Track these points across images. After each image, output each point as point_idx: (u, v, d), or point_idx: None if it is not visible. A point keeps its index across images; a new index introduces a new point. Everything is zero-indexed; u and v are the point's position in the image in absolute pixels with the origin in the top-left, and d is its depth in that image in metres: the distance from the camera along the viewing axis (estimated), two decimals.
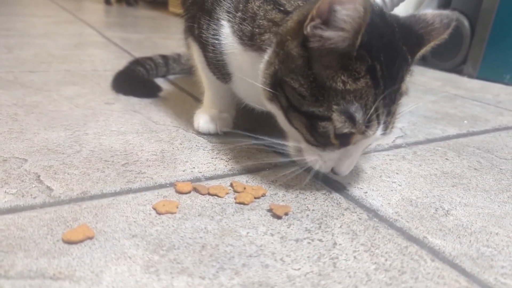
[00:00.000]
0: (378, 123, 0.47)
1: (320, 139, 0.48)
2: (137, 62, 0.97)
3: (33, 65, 1.08)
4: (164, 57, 1.04)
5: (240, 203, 0.49)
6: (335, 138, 0.48)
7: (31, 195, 0.47)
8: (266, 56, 0.51)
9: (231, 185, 0.53)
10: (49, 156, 0.57)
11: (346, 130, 0.46)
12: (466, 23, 1.40)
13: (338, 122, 0.46)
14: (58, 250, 0.38)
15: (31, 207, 0.45)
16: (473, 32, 1.39)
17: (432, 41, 0.51)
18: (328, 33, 0.44)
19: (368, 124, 0.46)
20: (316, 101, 0.46)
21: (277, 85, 0.49)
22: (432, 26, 0.51)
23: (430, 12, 0.52)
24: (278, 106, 0.50)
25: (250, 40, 0.54)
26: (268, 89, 0.50)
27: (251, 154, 0.63)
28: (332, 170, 0.51)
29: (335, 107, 0.45)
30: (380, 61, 0.45)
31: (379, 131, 0.48)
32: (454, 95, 1.16)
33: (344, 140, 0.48)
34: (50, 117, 0.72)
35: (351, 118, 0.45)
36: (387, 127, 0.48)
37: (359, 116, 0.45)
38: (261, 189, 0.52)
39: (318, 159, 0.51)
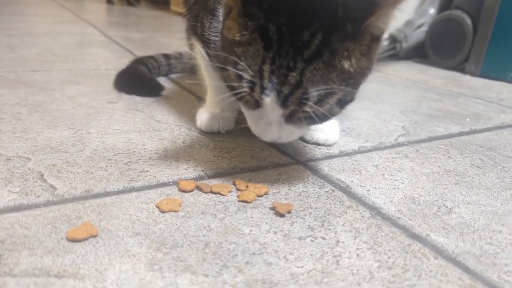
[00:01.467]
0: (262, 89, 0.43)
1: (233, 93, 0.47)
2: (139, 61, 0.97)
3: (36, 64, 1.09)
4: (166, 56, 1.04)
5: (243, 201, 0.49)
6: (246, 94, 0.46)
7: (34, 193, 0.48)
8: None
9: (234, 183, 0.53)
10: (52, 155, 0.58)
11: (235, 84, 0.45)
12: (468, 21, 1.39)
13: (232, 75, 0.45)
14: (62, 248, 0.39)
15: (35, 206, 0.45)
16: (476, 30, 1.38)
17: (383, 7, 0.42)
18: None
19: (252, 86, 0.44)
20: (221, 50, 0.47)
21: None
22: None
23: None
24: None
25: None
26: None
27: (254, 153, 0.63)
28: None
29: (230, 58, 0.44)
30: (279, 23, 0.42)
31: (269, 98, 0.44)
32: (456, 93, 1.16)
33: (255, 100, 0.47)
34: (53, 116, 0.72)
35: (238, 75, 0.44)
36: (285, 98, 0.44)
37: (245, 75, 0.43)
38: (263, 187, 0.52)
39: (250, 121, 0.50)
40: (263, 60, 0.43)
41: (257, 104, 0.46)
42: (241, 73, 0.43)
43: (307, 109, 0.44)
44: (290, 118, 0.47)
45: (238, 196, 0.50)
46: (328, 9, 0.43)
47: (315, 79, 0.43)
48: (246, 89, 0.44)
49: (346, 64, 0.44)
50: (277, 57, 0.42)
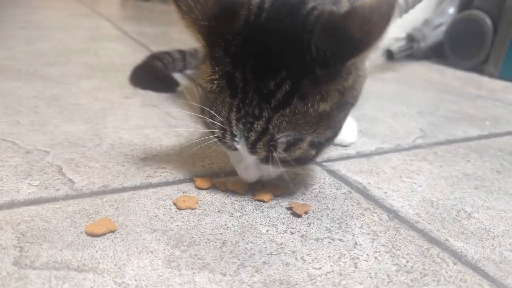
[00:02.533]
0: (232, 136, 0.43)
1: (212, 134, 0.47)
2: (155, 57, 0.97)
3: (52, 58, 1.10)
4: (182, 52, 1.04)
5: (259, 200, 0.49)
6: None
7: (54, 187, 0.48)
8: None
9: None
10: (70, 149, 0.58)
11: (210, 129, 0.45)
12: (488, 21, 1.37)
13: (208, 119, 0.44)
14: (81, 242, 0.39)
15: (54, 199, 0.46)
16: (496, 30, 1.36)
17: (370, 46, 0.38)
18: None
19: (223, 133, 0.44)
20: (202, 92, 0.46)
21: None
22: (370, 23, 0.37)
23: (365, 3, 0.38)
24: None
25: None
26: None
27: None
28: None
29: (206, 102, 0.44)
30: (245, 70, 0.41)
31: (239, 145, 0.43)
32: (475, 95, 1.14)
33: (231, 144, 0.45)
34: (70, 110, 0.73)
35: (212, 122, 0.44)
36: (252, 144, 0.43)
37: (216, 120, 0.43)
38: (279, 188, 0.51)
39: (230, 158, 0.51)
40: (230, 107, 0.42)
41: (234, 147, 0.45)
42: (213, 120, 0.44)
43: (277, 155, 0.43)
44: (266, 161, 0.45)
45: (254, 196, 0.49)
46: (297, 53, 0.40)
47: (282, 126, 0.42)
48: (218, 136, 0.44)
49: (322, 106, 0.42)
50: (241, 105, 0.42)
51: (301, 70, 0.41)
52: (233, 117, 0.42)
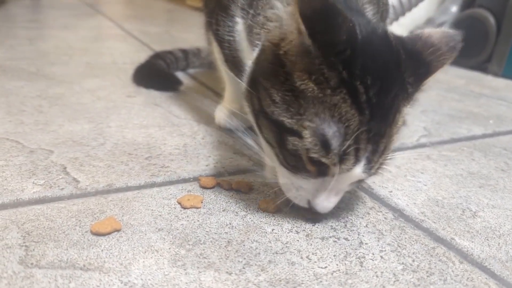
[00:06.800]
0: (357, 159, 0.38)
1: (290, 159, 0.40)
2: (158, 56, 0.97)
3: (54, 57, 1.10)
4: (184, 51, 1.04)
5: (263, 210, 0.47)
6: (310, 163, 0.39)
7: (58, 186, 0.48)
8: (255, 53, 0.45)
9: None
10: (74, 148, 0.58)
11: (315, 155, 0.38)
12: (491, 19, 1.36)
13: (309, 143, 0.38)
14: (87, 242, 0.39)
15: (59, 198, 0.46)
16: (499, 29, 1.35)
17: (440, 67, 0.43)
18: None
19: (344, 156, 0.38)
20: (287, 110, 0.39)
21: (253, 83, 0.43)
22: (440, 50, 0.43)
23: (434, 32, 0.43)
24: (251, 108, 0.43)
25: (249, 35, 0.52)
26: (246, 86, 0.44)
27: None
28: (309, 203, 0.43)
29: (307, 123, 0.38)
30: (366, 85, 0.38)
31: (358, 169, 0.39)
32: (478, 93, 1.14)
33: (321, 168, 0.40)
34: (74, 109, 0.73)
35: (325, 143, 0.37)
36: (372, 166, 0.40)
37: (335, 143, 0.37)
38: (247, 183, 0.51)
39: (291, 186, 0.43)
40: (358, 127, 0.37)
41: (323, 173, 0.40)
42: (331, 142, 0.37)
43: (380, 171, 0.42)
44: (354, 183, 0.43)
45: (259, 204, 0.48)
46: (397, 68, 0.40)
47: (393, 142, 0.41)
48: (333, 162, 0.38)
49: (401, 123, 0.43)
50: (372, 123, 0.38)
51: (401, 89, 0.40)
52: (364, 138, 0.38)
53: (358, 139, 0.37)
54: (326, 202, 0.42)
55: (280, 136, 0.40)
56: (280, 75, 0.39)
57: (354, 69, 0.37)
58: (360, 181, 0.43)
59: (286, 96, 0.39)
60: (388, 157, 0.42)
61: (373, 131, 0.38)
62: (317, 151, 0.38)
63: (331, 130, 0.37)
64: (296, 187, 0.43)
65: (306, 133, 0.38)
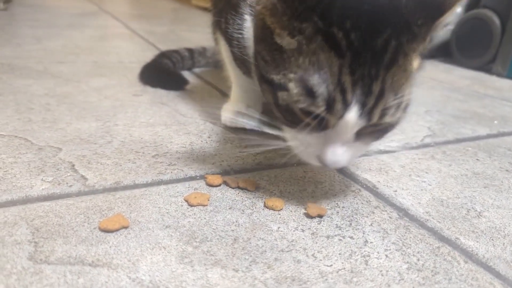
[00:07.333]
0: (345, 103, 0.38)
1: (287, 115, 0.42)
2: (164, 55, 0.98)
3: (61, 56, 1.11)
4: (190, 50, 1.05)
5: (270, 208, 0.47)
6: (304, 115, 0.40)
7: (66, 183, 0.49)
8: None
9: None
10: (82, 146, 0.59)
11: (303, 105, 0.39)
12: (496, 20, 1.36)
13: (295, 95, 0.39)
14: (95, 238, 0.39)
15: (67, 195, 0.46)
16: (504, 29, 1.35)
17: (454, 3, 0.41)
18: None
19: (331, 102, 0.38)
20: (275, 67, 0.41)
21: (254, 55, 0.45)
22: None
23: None
24: (257, 78, 0.45)
25: None
26: (253, 60, 0.45)
27: (278, 149, 0.63)
28: (319, 160, 0.43)
29: (291, 75, 0.39)
30: (345, 29, 0.38)
31: (352, 114, 0.38)
32: (482, 94, 1.13)
33: (320, 121, 0.40)
34: (81, 108, 0.74)
35: (309, 92, 0.38)
36: (370, 111, 0.39)
37: (319, 90, 0.38)
38: (253, 182, 0.51)
39: (299, 145, 0.44)
40: (340, 69, 0.37)
41: (324, 126, 0.40)
42: (315, 89, 0.38)
43: (386, 120, 0.40)
44: (358, 136, 0.42)
45: (265, 203, 0.48)
46: (393, 14, 0.39)
47: (393, 85, 0.39)
48: (321, 109, 0.38)
49: (414, 65, 0.41)
50: (356, 65, 0.37)
51: (401, 27, 0.39)
52: (348, 80, 0.38)
53: (341, 82, 0.38)
54: (331, 155, 0.42)
55: (275, 95, 0.41)
56: (267, 36, 0.42)
57: (331, 17, 0.38)
58: (375, 132, 0.42)
59: (274, 55, 0.41)
60: (398, 101, 0.39)
61: (358, 73, 0.38)
62: (304, 100, 0.39)
63: (313, 78, 0.38)
64: (304, 145, 0.44)
65: (291, 85, 0.39)
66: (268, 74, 0.42)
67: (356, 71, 0.38)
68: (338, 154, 0.42)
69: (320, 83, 0.38)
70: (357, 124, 0.40)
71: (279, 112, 0.43)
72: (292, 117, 0.41)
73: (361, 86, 0.38)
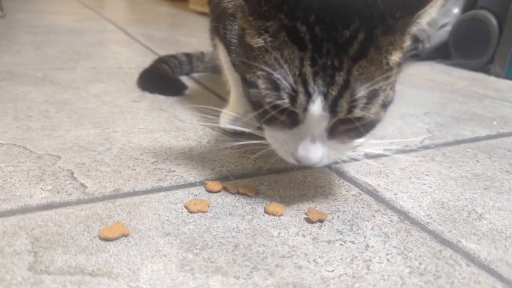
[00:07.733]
0: (307, 94, 0.39)
1: (262, 114, 0.42)
2: (162, 60, 0.98)
3: (60, 62, 1.11)
4: (188, 55, 1.05)
5: (271, 214, 0.47)
6: (273, 111, 0.41)
7: (66, 191, 0.48)
8: None
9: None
10: (81, 153, 0.58)
11: (270, 100, 0.40)
12: (493, 21, 1.36)
13: (263, 90, 0.40)
14: (95, 247, 0.39)
15: (67, 204, 0.46)
16: (501, 30, 1.35)
17: (429, 3, 0.40)
18: None
19: (295, 95, 0.39)
20: (248, 65, 0.42)
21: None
22: None
23: None
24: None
25: None
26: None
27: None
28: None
29: (259, 72, 0.40)
30: (309, 23, 0.39)
31: (316, 106, 0.39)
32: (482, 95, 1.13)
33: (292, 118, 0.41)
34: (80, 114, 0.74)
35: (275, 86, 0.39)
36: (334, 102, 0.39)
37: (283, 83, 0.39)
38: (253, 187, 0.51)
39: (276, 143, 0.45)
40: (301, 61, 0.38)
41: (295, 121, 0.41)
42: (278, 82, 0.39)
43: (356, 114, 0.40)
44: (333, 133, 0.42)
45: (265, 208, 0.48)
46: (364, 6, 0.40)
47: (362, 77, 0.39)
48: (285, 102, 0.39)
49: (391, 59, 0.41)
50: (317, 56, 0.38)
51: (373, 20, 0.40)
52: (308, 71, 0.38)
53: (302, 73, 0.38)
54: (302, 150, 0.42)
55: (248, 93, 0.43)
56: (242, 37, 0.44)
57: (296, 13, 0.39)
58: (351, 130, 0.42)
59: (248, 54, 0.42)
60: (370, 95, 0.39)
61: (320, 64, 0.38)
62: (270, 95, 0.40)
63: (278, 72, 0.39)
64: (280, 143, 0.45)
65: (260, 82, 0.41)
66: (243, 73, 0.43)
67: (318, 62, 0.38)
68: (310, 150, 0.42)
69: (283, 76, 0.39)
70: (324, 116, 0.40)
71: (255, 110, 0.44)
72: (265, 115, 0.42)
73: (322, 76, 0.38)
